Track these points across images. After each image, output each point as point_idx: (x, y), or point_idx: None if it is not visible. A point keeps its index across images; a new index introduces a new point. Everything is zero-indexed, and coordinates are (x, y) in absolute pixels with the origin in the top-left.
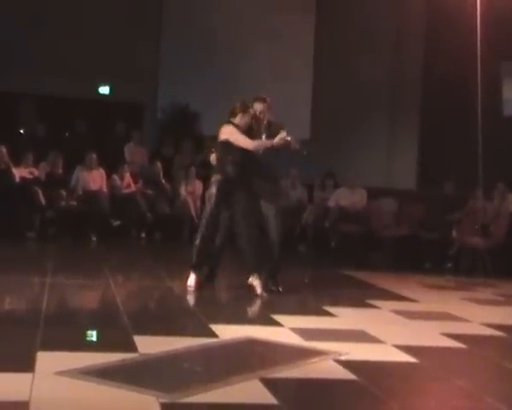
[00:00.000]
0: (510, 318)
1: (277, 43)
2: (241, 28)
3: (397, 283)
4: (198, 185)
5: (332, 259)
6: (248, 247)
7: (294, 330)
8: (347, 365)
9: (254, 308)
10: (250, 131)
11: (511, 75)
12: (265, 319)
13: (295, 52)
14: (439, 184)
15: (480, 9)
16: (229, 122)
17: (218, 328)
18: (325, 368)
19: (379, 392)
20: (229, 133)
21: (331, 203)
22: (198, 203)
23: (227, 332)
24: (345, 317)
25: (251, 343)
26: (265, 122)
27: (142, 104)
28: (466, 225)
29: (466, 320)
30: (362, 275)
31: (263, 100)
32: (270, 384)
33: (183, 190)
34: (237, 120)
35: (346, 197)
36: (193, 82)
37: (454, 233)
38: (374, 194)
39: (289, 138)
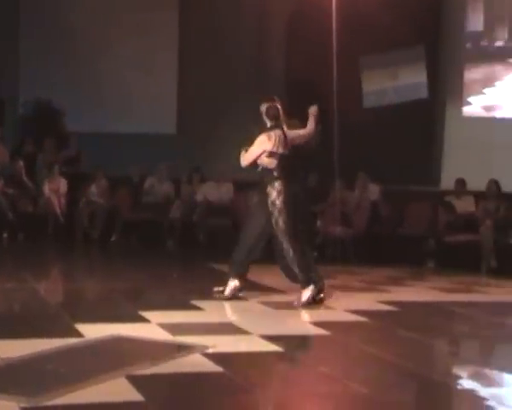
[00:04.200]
0: (372, 304)
1: (141, 39)
2: (102, 26)
3: (264, 274)
4: (62, 183)
5: (200, 253)
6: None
7: (162, 325)
8: (214, 357)
9: (121, 306)
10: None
11: (369, 68)
12: (133, 316)
13: (160, 48)
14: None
15: (337, 5)
16: (261, 131)
17: (83, 327)
18: (192, 362)
19: (244, 382)
20: (266, 144)
21: (199, 198)
22: (62, 201)
23: (93, 331)
24: (213, 310)
25: (117, 341)
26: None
27: (3, 100)
28: (329, 216)
29: (330, 308)
30: None
31: (271, 100)
32: (137, 381)
33: (46, 189)
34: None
35: (213, 191)
36: (55, 79)
37: (318, 223)
38: (241, 187)
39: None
